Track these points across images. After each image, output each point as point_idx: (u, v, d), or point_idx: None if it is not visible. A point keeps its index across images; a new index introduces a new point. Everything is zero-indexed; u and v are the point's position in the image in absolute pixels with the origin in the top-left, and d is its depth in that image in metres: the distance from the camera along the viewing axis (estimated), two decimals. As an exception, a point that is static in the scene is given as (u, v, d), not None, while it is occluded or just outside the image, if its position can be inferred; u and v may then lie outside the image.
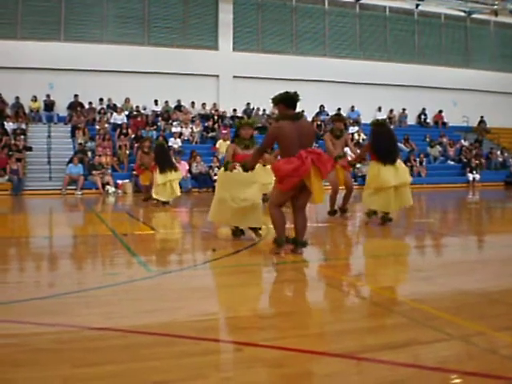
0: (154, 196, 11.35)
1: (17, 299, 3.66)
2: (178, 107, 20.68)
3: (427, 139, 22.18)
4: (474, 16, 25.22)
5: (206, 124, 20.18)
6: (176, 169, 11.51)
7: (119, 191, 16.10)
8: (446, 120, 24.39)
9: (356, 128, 21.16)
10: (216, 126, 20.01)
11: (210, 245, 6.01)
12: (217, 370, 2.50)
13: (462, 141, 22.76)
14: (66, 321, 3.18)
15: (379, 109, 23.20)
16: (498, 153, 22.48)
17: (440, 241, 6.94)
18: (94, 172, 16.21)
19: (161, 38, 20.79)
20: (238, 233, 6.44)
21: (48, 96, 19.16)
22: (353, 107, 22.82)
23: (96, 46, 19.53)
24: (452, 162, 21.56)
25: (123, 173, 17.04)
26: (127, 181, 16.44)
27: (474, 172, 20.39)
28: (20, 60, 18.41)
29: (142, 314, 3.37)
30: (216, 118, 20.35)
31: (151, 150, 12.15)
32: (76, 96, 19.35)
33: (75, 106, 19.27)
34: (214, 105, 21.13)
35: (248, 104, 21.37)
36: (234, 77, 21.36)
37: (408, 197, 7.65)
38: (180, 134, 18.99)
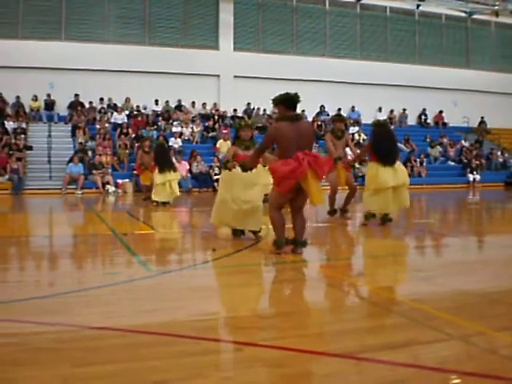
0: (154, 197, 11.31)
1: (17, 298, 3.65)
2: (179, 107, 20.68)
3: (427, 140, 22.19)
4: (474, 17, 25.22)
5: (207, 124, 20.18)
6: (175, 169, 11.52)
7: (119, 191, 16.11)
8: (446, 120, 24.38)
9: (356, 128, 21.14)
10: (216, 125, 20.01)
11: (210, 244, 6.01)
12: (217, 370, 2.50)
13: (463, 141, 22.77)
14: (66, 320, 3.18)
15: (379, 109, 23.19)
16: (499, 153, 22.49)
17: (440, 241, 6.93)
18: (94, 171, 16.22)
19: (161, 38, 20.79)
20: (238, 233, 6.44)
21: (48, 95, 19.17)
22: (353, 107, 22.80)
23: (97, 46, 19.54)
24: (452, 163, 21.56)
25: (123, 172, 17.06)
26: (127, 180, 16.46)
27: (475, 172, 20.39)
28: (21, 59, 18.41)
29: (141, 313, 3.37)
30: (216, 117, 20.34)
31: (151, 149, 12.16)
32: (76, 95, 19.37)
33: (76, 105, 19.28)
34: (215, 105, 21.12)
35: (248, 104, 21.36)
36: (235, 77, 21.36)
37: (406, 198, 7.66)
38: (180, 134, 18.99)
